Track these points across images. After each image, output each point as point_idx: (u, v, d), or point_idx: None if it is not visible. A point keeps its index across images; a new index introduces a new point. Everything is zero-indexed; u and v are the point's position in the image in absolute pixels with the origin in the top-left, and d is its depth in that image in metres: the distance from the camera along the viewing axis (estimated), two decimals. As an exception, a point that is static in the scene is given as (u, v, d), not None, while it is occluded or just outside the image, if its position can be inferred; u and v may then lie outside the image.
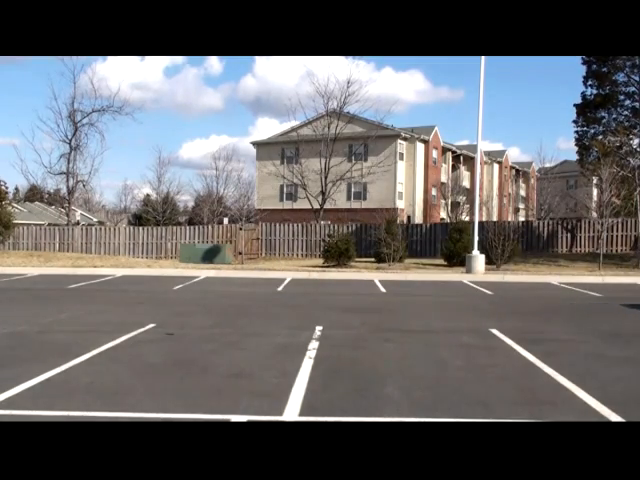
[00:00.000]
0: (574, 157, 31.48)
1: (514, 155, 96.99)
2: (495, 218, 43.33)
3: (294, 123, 40.64)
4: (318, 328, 9.25)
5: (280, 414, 5.00)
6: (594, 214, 27.41)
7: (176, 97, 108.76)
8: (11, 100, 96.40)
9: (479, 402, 5.44)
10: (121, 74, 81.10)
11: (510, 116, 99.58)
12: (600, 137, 29.69)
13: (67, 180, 33.80)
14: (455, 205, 44.98)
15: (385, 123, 45.86)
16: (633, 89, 29.24)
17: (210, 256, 25.47)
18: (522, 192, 65.00)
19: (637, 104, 29.19)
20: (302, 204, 38.99)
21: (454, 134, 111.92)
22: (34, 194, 57.63)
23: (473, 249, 21.26)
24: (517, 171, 66.19)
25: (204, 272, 20.55)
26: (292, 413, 5.04)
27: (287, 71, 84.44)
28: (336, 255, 22.93)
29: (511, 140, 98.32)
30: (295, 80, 67.98)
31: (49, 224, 38.65)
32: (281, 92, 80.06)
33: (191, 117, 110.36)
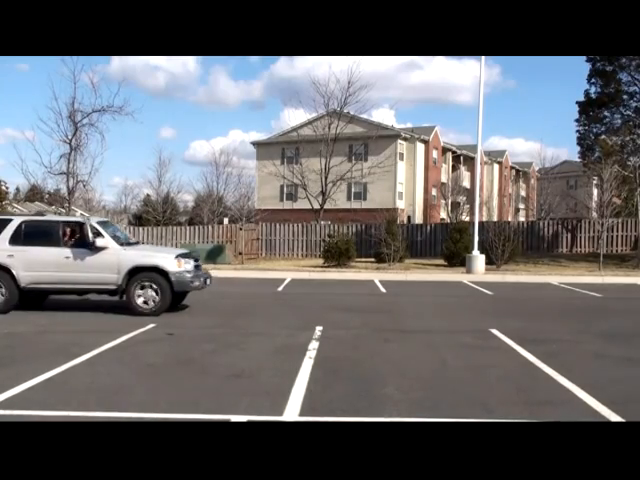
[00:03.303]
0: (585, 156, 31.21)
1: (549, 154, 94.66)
2: (495, 218, 43.36)
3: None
4: (318, 328, 9.25)
5: (280, 414, 5.00)
6: (594, 214, 27.40)
7: (201, 90, 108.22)
8: (12, 98, 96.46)
9: (479, 402, 5.44)
10: (150, 60, 78.88)
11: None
12: (602, 136, 29.63)
13: (67, 180, 33.76)
14: (455, 205, 44.94)
15: (384, 123, 45.87)
16: (636, 89, 29.18)
17: (210, 256, 25.45)
18: (522, 192, 64.96)
19: None
20: (302, 204, 38.95)
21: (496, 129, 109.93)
22: (34, 194, 57.61)
23: (473, 249, 21.26)
24: (517, 171, 66.17)
25: (204, 272, 20.53)
26: (292, 413, 5.04)
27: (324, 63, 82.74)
28: (336, 255, 22.93)
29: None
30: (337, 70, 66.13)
31: (49, 224, 38.53)
32: (313, 85, 79.20)
33: (211, 111, 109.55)
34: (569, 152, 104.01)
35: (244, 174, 53.99)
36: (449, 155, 53.39)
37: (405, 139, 47.57)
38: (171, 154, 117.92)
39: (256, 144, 51.95)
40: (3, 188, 29.10)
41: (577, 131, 31.00)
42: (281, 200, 48.47)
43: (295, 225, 30.66)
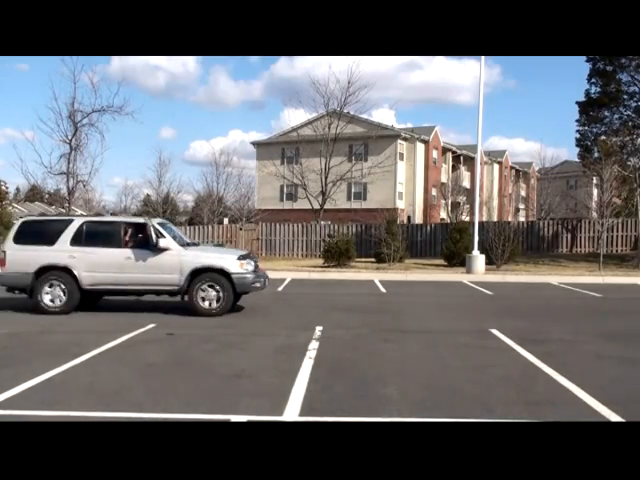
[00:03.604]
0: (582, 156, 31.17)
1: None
2: (495, 218, 43.47)
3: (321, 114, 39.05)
4: (318, 328, 9.25)
5: (280, 414, 5.00)
6: (594, 214, 27.40)
7: (201, 90, 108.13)
8: (12, 98, 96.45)
9: (479, 402, 5.44)
10: (150, 60, 79.05)
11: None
12: (602, 137, 29.60)
13: (67, 180, 33.73)
14: (455, 205, 44.92)
15: (385, 123, 45.86)
16: (636, 89, 29.15)
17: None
18: (522, 192, 64.95)
19: None
20: (302, 204, 38.94)
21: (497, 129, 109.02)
22: (34, 194, 57.60)
23: (473, 249, 21.26)
24: (517, 171, 66.17)
25: (204, 272, 20.51)
26: (292, 413, 5.04)
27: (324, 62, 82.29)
28: (336, 255, 22.93)
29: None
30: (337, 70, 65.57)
31: (49, 224, 38.50)
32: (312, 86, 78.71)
33: (213, 111, 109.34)
34: (569, 152, 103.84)
35: (244, 174, 53.98)
36: (449, 155, 53.38)
37: (405, 139, 47.57)
38: (171, 154, 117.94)
39: (256, 144, 51.94)
40: (3, 188, 29.09)
41: (577, 131, 30.99)
42: (281, 200, 48.46)
43: (295, 225, 30.66)
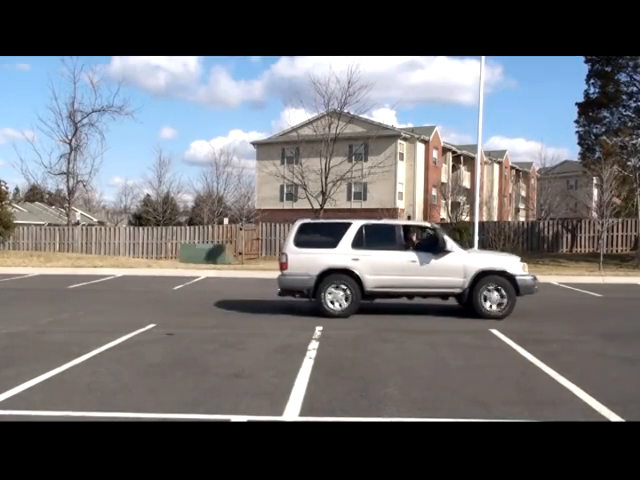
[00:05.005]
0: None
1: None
2: (495, 218, 43.39)
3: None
4: (318, 328, 9.25)
5: (280, 414, 5.00)
6: (594, 214, 27.40)
7: (201, 90, 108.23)
8: (12, 98, 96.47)
9: (479, 402, 5.44)
10: (151, 60, 79.60)
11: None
12: (603, 137, 29.61)
13: (67, 180, 33.75)
14: (455, 205, 44.88)
15: (385, 123, 45.84)
16: (634, 89, 29.16)
17: (210, 256, 25.45)
18: (522, 192, 64.93)
19: None
20: (302, 204, 38.88)
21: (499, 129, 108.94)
22: (34, 194, 57.58)
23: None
24: (517, 171, 66.15)
25: (204, 272, 20.55)
26: (292, 413, 5.04)
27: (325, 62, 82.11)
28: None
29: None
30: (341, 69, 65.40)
31: (49, 224, 38.61)
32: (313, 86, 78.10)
33: (214, 111, 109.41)
34: (569, 152, 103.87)
35: (244, 174, 54.00)
36: (449, 155, 53.37)
37: (405, 139, 47.56)
38: (171, 154, 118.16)
39: (256, 144, 51.91)
40: (3, 188, 29.06)
41: (577, 132, 31.02)
42: (281, 200, 48.44)
43: (295, 225, 30.61)
